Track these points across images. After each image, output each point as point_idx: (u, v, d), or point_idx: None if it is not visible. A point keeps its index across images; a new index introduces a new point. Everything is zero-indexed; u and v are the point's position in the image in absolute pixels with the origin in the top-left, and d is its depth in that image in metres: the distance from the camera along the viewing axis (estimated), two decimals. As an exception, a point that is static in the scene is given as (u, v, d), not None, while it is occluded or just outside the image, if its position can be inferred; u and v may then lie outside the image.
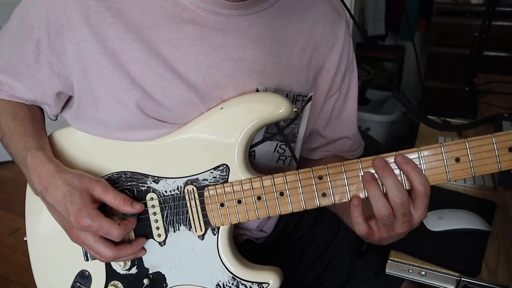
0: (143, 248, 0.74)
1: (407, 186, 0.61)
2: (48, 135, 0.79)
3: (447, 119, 1.40)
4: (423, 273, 0.81)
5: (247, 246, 0.89)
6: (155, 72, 0.67)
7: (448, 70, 2.48)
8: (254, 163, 0.78)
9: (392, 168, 0.61)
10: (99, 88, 0.68)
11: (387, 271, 0.83)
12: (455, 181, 1.08)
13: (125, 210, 0.68)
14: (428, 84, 2.55)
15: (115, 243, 0.69)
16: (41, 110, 0.82)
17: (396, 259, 0.82)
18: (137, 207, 0.68)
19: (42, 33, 0.67)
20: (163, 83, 0.67)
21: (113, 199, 0.67)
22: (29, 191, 0.82)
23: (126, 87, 0.67)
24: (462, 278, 0.78)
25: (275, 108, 0.67)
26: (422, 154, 0.61)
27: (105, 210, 0.70)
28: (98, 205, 0.68)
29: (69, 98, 0.78)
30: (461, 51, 2.27)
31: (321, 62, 0.80)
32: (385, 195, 0.61)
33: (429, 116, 1.35)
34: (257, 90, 0.72)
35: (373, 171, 0.62)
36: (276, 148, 0.79)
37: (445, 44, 2.51)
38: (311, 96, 0.80)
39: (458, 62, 2.14)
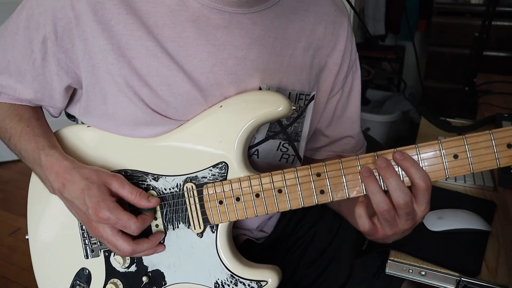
0: (163, 243, 0.73)
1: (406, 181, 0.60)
2: None
3: (447, 119, 1.40)
4: (423, 273, 0.80)
5: (247, 246, 0.89)
6: (163, 69, 0.67)
7: (448, 70, 2.47)
8: (258, 162, 0.78)
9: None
10: (107, 84, 0.68)
11: (387, 271, 0.83)
12: (455, 180, 1.08)
13: (141, 204, 0.67)
14: (428, 84, 2.54)
15: (133, 237, 0.68)
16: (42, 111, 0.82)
17: (396, 259, 0.82)
18: (153, 202, 0.68)
19: (48, 31, 0.67)
20: (170, 80, 0.68)
21: (129, 193, 0.67)
22: (31, 190, 0.82)
23: (133, 84, 0.67)
24: (462, 278, 0.78)
25: (274, 106, 0.67)
26: (420, 151, 0.60)
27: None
28: (116, 199, 0.67)
29: (75, 92, 0.78)
30: (461, 51, 2.27)
31: (324, 62, 0.80)
32: (385, 191, 0.60)
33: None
34: (260, 89, 0.72)
35: (371, 168, 0.61)
36: (279, 147, 0.79)
37: (445, 44, 2.50)
38: (314, 95, 0.80)
39: (458, 62, 2.14)
